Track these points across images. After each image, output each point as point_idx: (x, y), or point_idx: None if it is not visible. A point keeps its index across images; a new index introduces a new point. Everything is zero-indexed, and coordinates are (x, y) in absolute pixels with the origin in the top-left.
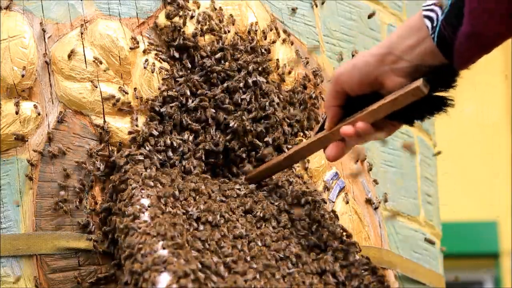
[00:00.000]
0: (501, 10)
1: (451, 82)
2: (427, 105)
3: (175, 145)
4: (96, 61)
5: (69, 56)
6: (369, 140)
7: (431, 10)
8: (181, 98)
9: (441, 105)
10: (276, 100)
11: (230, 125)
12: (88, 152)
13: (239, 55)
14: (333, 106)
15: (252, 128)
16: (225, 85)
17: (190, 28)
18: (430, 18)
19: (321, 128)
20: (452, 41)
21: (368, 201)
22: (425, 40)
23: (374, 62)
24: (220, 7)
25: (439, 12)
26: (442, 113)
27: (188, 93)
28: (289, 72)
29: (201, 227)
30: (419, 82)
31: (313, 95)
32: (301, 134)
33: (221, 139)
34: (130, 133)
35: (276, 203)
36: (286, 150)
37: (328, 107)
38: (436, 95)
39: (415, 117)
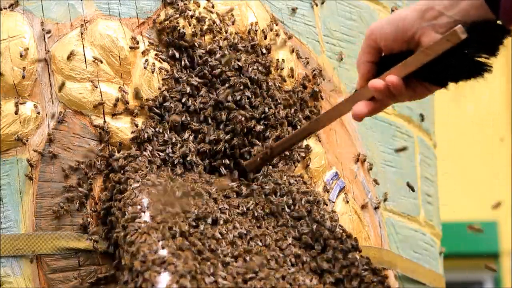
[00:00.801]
0: None
1: (493, 47)
2: (464, 67)
3: (175, 144)
4: (96, 61)
5: (68, 58)
6: (400, 100)
7: None
8: (181, 98)
9: (479, 70)
10: (276, 99)
11: (232, 119)
12: (88, 152)
13: (239, 55)
14: (366, 61)
15: (252, 127)
16: (226, 85)
17: (190, 28)
18: None
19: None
20: None
21: (364, 207)
22: None
23: (413, 18)
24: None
25: None
26: (479, 78)
27: (189, 92)
28: (291, 74)
29: (201, 227)
30: (457, 27)
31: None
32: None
33: (221, 137)
34: (131, 133)
35: (276, 203)
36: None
37: (359, 63)
38: (475, 59)
39: (449, 78)
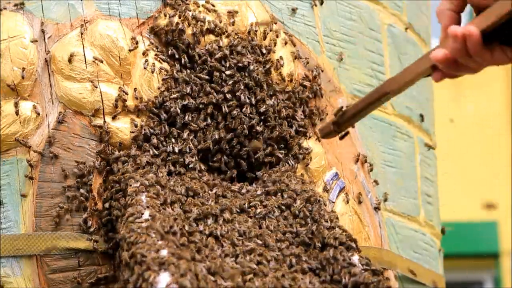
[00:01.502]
0: None
1: None
2: None
3: (175, 144)
4: (96, 61)
5: (69, 60)
6: (477, 63)
7: None
8: (181, 98)
9: None
10: (277, 100)
11: (233, 119)
12: (88, 152)
13: (239, 55)
14: (447, 10)
15: (252, 127)
16: (227, 85)
17: (189, 28)
18: None
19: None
20: None
21: (360, 201)
22: None
23: None
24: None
25: None
26: None
27: (189, 92)
28: (291, 74)
29: (201, 227)
30: None
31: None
32: (302, 134)
33: (222, 136)
34: (131, 132)
35: (277, 203)
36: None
37: (440, 12)
38: None
39: None
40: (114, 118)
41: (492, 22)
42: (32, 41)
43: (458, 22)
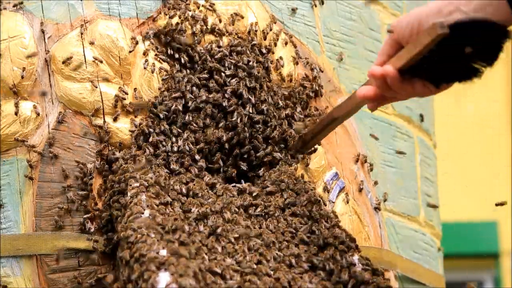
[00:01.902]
0: None
1: (493, 54)
2: (459, 70)
3: (175, 144)
4: (96, 61)
5: (64, 62)
6: (401, 95)
7: None
8: (181, 98)
9: (472, 74)
10: (277, 99)
11: (233, 118)
12: (88, 152)
13: (239, 55)
14: (385, 54)
15: (252, 127)
16: (229, 85)
17: (189, 28)
18: None
19: None
20: None
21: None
22: None
23: (430, 12)
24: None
25: None
26: (469, 82)
27: (189, 93)
28: (290, 74)
29: (201, 227)
30: (437, 21)
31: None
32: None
33: (221, 135)
34: (131, 132)
35: (276, 203)
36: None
37: (380, 54)
38: (472, 64)
39: (444, 79)
40: (115, 119)
41: (405, 62)
42: (28, 56)
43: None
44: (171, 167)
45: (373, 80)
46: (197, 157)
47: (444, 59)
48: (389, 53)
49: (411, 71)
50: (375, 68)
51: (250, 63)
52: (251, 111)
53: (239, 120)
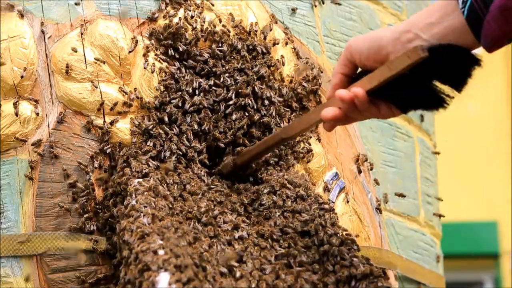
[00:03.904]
0: None
1: (461, 80)
2: (426, 97)
3: (175, 144)
4: (97, 62)
5: (67, 72)
6: (366, 116)
7: None
8: (181, 98)
9: (438, 103)
10: (277, 99)
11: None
12: (88, 152)
13: (239, 55)
14: (339, 73)
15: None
16: (230, 85)
17: (189, 28)
18: None
19: None
20: (484, 16)
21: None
22: (450, 15)
23: (389, 38)
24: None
25: None
26: (436, 111)
27: (189, 92)
28: (290, 74)
29: (201, 227)
30: (418, 45)
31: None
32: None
33: (227, 131)
34: (133, 133)
35: (276, 203)
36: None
37: (334, 73)
38: (439, 93)
39: (410, 105)
40: (112, 123)
41: (375, 85)
42: (22, 75)
43: (346, 84)
44: (172, 167)
45: (342, 102)
46: (196, 156)
47: (413, 84)
48: (343, 72)
49: (379, 93)
50: (342, 92)
51: (250, 63)
52: (252, 111)
53: (239, 120)
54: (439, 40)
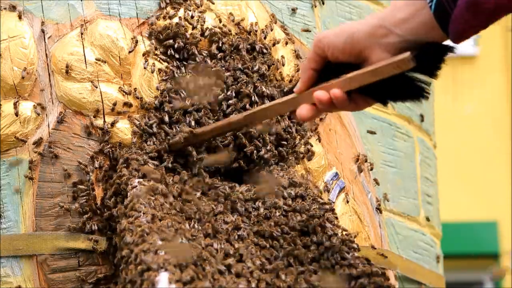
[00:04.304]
0: None
1: (435, 69)
2: (405, 88)
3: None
4: (98, 62)
5: (67, 72)
6: (342, 110)
7: None
8: (181, 98)
9: (418, 93)
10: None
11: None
12: (88, 152)
13: (239, 55)
14: (310, 69)
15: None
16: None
17: (189, 28)
18: None
19: (290, 92)
20: (451, 11)
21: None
22: (421, 11)
23: (363, 33)
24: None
25: None
26: (417, 101)
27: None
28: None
29: (201, 227)
30: (406, 54)
31: None
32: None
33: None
34: (134, 133)
35: (276, 203)
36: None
37: (304, 70)
38: (416, 82)
39: (389, 97)
40: (112, 125)
41: (355, 87)
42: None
43: (316, 78)
44: (171, 166)
45: (319, 103)
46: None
47: (390, 78)
48: (313, 67)
49: (358, 90)
50: (320, 93)
51: (250, 63)
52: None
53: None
54: (412, 35)
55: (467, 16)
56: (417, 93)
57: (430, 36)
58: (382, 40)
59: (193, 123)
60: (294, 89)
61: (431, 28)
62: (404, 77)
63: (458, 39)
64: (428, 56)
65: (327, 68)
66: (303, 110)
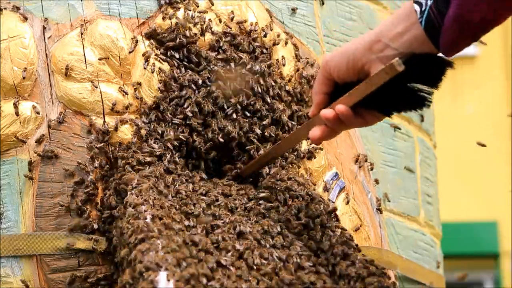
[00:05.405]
0: None
1: (436, 80)
2: (406, 99)
3: (175, 144)
4: (102, 61)
5: (67, 74)
6: (352, 127)
7: None
8: (181, 97)
9: (420, 103)
10: (276, 99)
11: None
12: (89, 152)
13: (239, 55)
14: (320, 93)
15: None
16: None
17: (189, 28)
18: (419, 3)
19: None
20: (440, 26)
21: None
22: (413, 26)
23: (362, 50)
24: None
25: None
26: (420, 111)
27: (189, 92)
28: (290, 74)
29: (200, 226)
30: (394, 60)
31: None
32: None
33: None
34: (135, 133)
35: (276, 203)
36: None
37: (315, 93)
38: (418, 93)
39: (393, 109)
40: (116, 129)
41: (357, 100)
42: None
43: (327, 101)
44: (170, 167)
45: (327, 121)
46: (199, 156)
47: (392, 90)
48: (323, 91)
49: (361, 104)
50: (327, 111)
51: (250, 63)
52: (252, 112)
53: (239, 120)
54: (407, 48)
55: (455, 31)
56: (419, 102)
57: (423, 49)
58: (380, 54)
59: (191, 122)
60: (309, 113)
61: (422, 42)
62: (406, 88)
63: (448, 53)
64: (422, 64)
65: (337, 90)
66: (315, 132)
